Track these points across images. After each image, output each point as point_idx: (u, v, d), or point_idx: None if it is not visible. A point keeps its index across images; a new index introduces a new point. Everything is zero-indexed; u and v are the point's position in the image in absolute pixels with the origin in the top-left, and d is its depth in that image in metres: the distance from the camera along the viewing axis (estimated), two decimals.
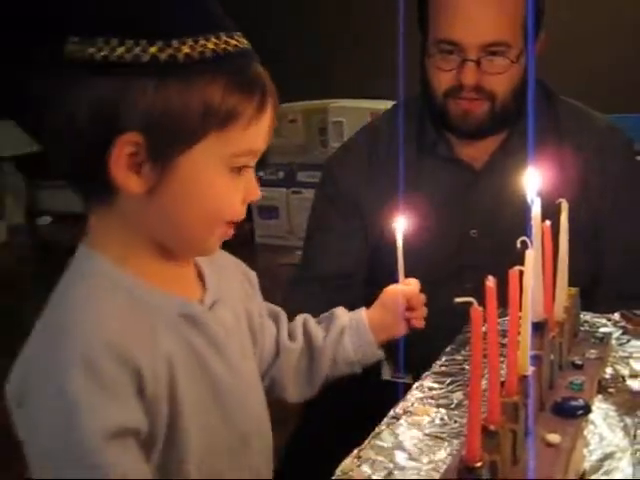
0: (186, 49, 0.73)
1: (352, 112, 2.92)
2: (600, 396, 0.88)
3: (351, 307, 1.13)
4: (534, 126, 0.83)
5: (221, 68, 0.75)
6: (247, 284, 0.96)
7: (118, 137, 0.73)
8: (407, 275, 1.05)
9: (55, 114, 0.76)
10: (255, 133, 0.78)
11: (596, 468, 0.75)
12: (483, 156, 1.32)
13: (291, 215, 3.21)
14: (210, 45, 0.74)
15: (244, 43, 0.78)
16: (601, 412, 0.85)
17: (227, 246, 0.89)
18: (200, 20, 0.75)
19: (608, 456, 0.77)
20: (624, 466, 0.75)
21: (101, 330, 0.73)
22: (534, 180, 0.82)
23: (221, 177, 0.78)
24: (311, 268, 1.39)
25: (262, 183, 2.24)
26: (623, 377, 0.93)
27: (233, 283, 0.92)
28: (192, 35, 0.73)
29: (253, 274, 0.98)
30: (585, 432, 0.79)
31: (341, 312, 1.05)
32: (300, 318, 1.05)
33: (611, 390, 0.90)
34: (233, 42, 0.76)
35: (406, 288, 1.04)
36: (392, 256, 1.34)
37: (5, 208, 4.11)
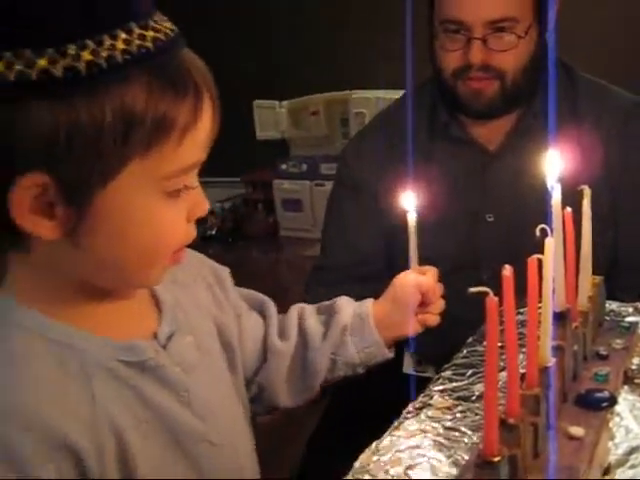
0: (87, 55, 0.56)
1: (374, 103, 2.89)
2: (626, 387, 0.85)
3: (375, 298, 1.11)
4: (547, 104, 0.80)
5: (138, 70, 0.58)
6: (216, 286, 0.84)
7: (17, 178, 0.58)
8: (421, 263, 0.94)
9: None
10: (191, 146, 0.63)
11: (622, 462, 0.73)
12: (497, 137, 1.30)
13: (314, 208, 3.19)
14: (119, 44, 0.57)
15: (165, 28, 0.61)
16: (627, 404, 0.82)
17: (253, 240, 0.84)
18: (101, 11, 0.57)
19: (635, 450, 0.75)
20: None
21: (28, 413, 0.61)
22: (554, 166, 0.79)
23: (155, 205, 0.63)
24: (329, 256, 1.39)
25: (285, 176, 2.26)
26: None
27: (198, 293, 0.81)
28: (92, 35, 0.56)
29: (223, 270, 0.86)
30: (610, 425, 0.77)
31: (344, 305, 0.93)
32: (295, 310, 0.94)
33: (638, 381, 0.87)
34: (150, 34, 0.59)
35: (421, 279, 0.92)
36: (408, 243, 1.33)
37: None
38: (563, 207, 0.80)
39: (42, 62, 0.55)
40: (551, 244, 0.69)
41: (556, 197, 0.78)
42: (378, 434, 0.81)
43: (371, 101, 2.97)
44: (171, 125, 0.60)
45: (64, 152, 0.58)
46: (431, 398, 0.89)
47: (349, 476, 0.75)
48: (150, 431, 0.69)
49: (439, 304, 0.94)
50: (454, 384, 0.92)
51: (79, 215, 0.61)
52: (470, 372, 0.94)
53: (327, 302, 0.95)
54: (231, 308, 0.85)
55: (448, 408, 0.86)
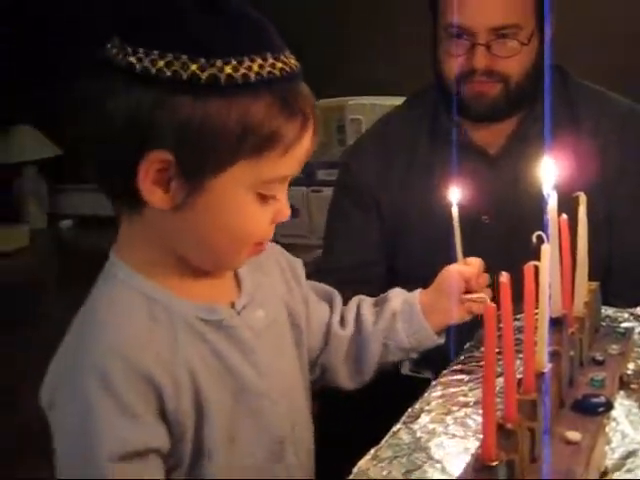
0: (229, 69, 0.70)
1: (370, 109, 2.91)
2: (622, 392, 0.86)
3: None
4: (550, 112, 0.82)
5: (264, 91, 0.72)
6: (289, 274, 0.94)
7: (149, 152, 0.72)
8: (419, 263, 1.01)
9: (90, 116, 0.75)
10: (291, 160, 0.75)
11: (618, 466, 0.74)
12: (498, 141, 1.31)
13: (311, 214, 3.21)
14: (255, 67, 0.71)
15: (291, 64, 0.75)
16: (623, 409, 0.83)
17: None
18: (247, 39, 0.73)
19: (631, 454, 0.75)
20: None
21: (120, 347, 0.73)
22: (550, 173, 0.80)
23: (250, 203, 0.76)
24: (331, 259, 1.40)
25: None
26: None
27: (273, 278, 0.91)
28: (236, 55, 0.71)
29: (298, 262, 0.96)
30: (607, 429, 0.78)
31: (395, 294, 1.02)
32: (355, 300, 1.03)
33: (634, 386, 0.88)
34: (279, 65, 0.73)
35: (463, 268, 0.99)
36: (410, 245, 1.33)
37: (27, 212, 4.16)
38: (560, 213, 0.81)
39: (194, 67, 0.70)
40: (547, 251, 0.70)
41: (552, 204, 0.79)
42: (377, 436, 0.82)
43: (367, 108, 2.99)
44: (279, 139, 0.73)
45: (192, 138, 0.71)
46: (429, 404, 0.89)
47: None
48: (220, 381, 0.79)
49: (486, 292, 0.98)
50: (452, 390, 0.92)
51: (189, 193, 0.73)
52: (468, 378, 0.95)
53: (381, 295, 1.03)
54: (301, 296, 0.95)
55: (446, 414, 0.87)
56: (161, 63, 0.70)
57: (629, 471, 0.73)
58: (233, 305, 0.83)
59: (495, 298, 0.66)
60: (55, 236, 4.24)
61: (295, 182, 2.98)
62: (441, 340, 0.99)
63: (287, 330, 0.90)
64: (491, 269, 0.64)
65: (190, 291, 0.81)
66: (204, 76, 0.70)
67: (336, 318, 1.00)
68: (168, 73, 0.70)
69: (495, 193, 1.30)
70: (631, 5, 2.80)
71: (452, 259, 1.02)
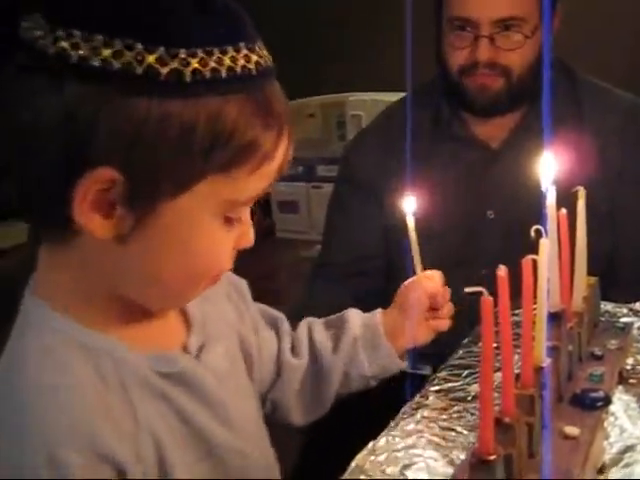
0: (195, 63, 0.56)
1: (370, 105, 2.90)
2: (621, 387, 0.86)
3: (372, 295, 1.12)
4: (552, 106, 0.81)
5: (237, 90, 0.58)
6: (236, 297, 0.83)
7: (89, 170, 0.56)
8: (422, 260, 0.92)
9: (8, 120, 0.59)
10: (262, 177, 0.62)
11: (616, 461, 0.74)
12: (500, 135, 1.31)
13: (311, 209, 3.20)
14: (227, 61, 0.57)
15: (266, 57, 0.62)
16: (622, 403, 0.83)
17: None
18: (217, 25, 0.58)
19: (629, 448, 0.75)
20: None
21: (74, 424, 0.59)
22: (549, 167, 0.80)
23: (213, 229, 0.62)
24: (332, 252, 1.40)
25: (281, 178, 2.24)
26: None
27: (221, 305, 0.80)
28: (205, 45, 0.57)
29: (242, 283, 0.85)
30: (605, 424, 0.78)
31: (352, 316, 0.91)
32: (304, 326, 0.92)
33: (632, 381, 0.88)
34: (254, 57, 0.60)
35: (427, 284, 0.90)
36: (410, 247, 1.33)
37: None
38: (561, 208, 0.80)
39: (151, 59, 0.55)
40: (546, 245, 0.70)
41: (550, 199, 0.79)
42: (374, 432, 0.81)
43: (367, 103, 2.98)
44: (254, 151, 0.60)
45: (145, 153, 0.56)
46: (427, 398, 0.89)
47: (345, 476, 0.76)
48: (185, 442, 0.68)
49: (448, 308, 0.92)
50: (450, 384, 0.92)
51: (137, 220, 0.59)
52: (466, 373, 0.94)
53: (334, 316, 0.93)
54: (251, 321, 0.84)
55: (444, 408, 0.87)
56: (106, 52, 0.55)
57: (627, 466, 0.73)
58: (185, 347, 0.71)
59: (494, 293, 0.65)
60: None
61: (295, 178, 3.01)
62: (404, 364, 0.92)
63: (242, 367, 0.80)
64: (496, 265, 0.64)
65: (135, 336, 0.66)
66: (164, 71, 0.55)
67: (286, 346, 0.89)
68: (116, 66, 0.55)
69: (499, 188, 1.30)
70: (637, 1, 2.79)
71: (447, 255, 1.00)
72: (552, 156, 0.80)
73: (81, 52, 0.55)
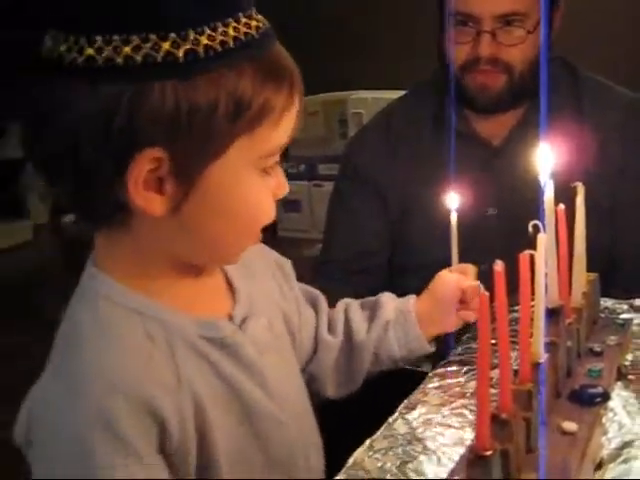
0: (205, 40, 0.62)
1: (372, 103, 2.90)
2: (620, 383, 0.86)
3: (374, 292, 1.11)
4: (553, 102, 0.81)
5: (246, 57, 0.65)
6: (280, 276, 0.89)
7: (136, 154, 0.63)
8: (422, 253, 1.00)
9: (54, 127, 0.64)
10: (285, 127, 0.69)
11: (614, 456, 0.73)
12: (501, 132, 1.31)
13: (313, 208, 3.21)
14: (231, 31, 0.64)
15: (263, 21, 0.68)
16: (620, 399, 0.82)
17: None
18: (215, 2, 0.65)
19: (627, 444, 0.75)
20: None
21: (120, 381, 0.66)
22: (547, 161, 0.80)
23: (253, 182, 0.69)
24: (333, 249, 1.40)
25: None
26: None
27: (266, 283, 0.85)
28: (208, 22, 0.63)
29: (287, 263, 0.91)
30: (604, 420, 0.77)
31: (387, 301, 0.97)
32: (342, 305, 0.98)
33: (631, 377, 0.87)
34: (254, 23, 0.66)
35: (461, 278, 0.95)
36: (412, 236, 1.33)
37: (29, 207, 4.16)
38: (559, 203, 0.80)
39: (166, 45, 0.61)
40: (543, 240, 0.70)
41: (548, 193, 0.79)
42: (373, 428, 0.81)
43: (369, 102, 2.98)
44: (271, 110, 0.67)
45: (183, 129, 0.63)
46: (426, 395, 0.89)
47: (343, 472, 0.75)
48: (226, 405, 0.73)
49: (477, 302, 0.95)
50: (449, 381, 0.92)
51: (187, 190, 0.66)
52: (465, 369, 0.94)
53: (371, 298, 0.99)
54: (293, 299, 0.90)
55: (443, 405, 0.87)
56: (127, 49, 0.61)
57: (625, 461, 0.72)
58: (231, 317, 0.76)
59: (491, 289, 0.65)
60: (57, 231, 4.24)
61: (297, 176, 3.02)
62: (432, 349, 0.97)
63: (287, 341, 0.85)
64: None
65: (185, 303, 0.73)
66: (181, 53, 0.61)
67: (323, 324, 0.94)
68: (138, 58, 0.61)
69: (500, 185, 1.29)
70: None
71: (449, 251, 1.01)
72: (550, 150, 0.79)
73: (105, 54, 0.61)
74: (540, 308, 0.71)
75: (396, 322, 0.95)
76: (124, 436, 0.64)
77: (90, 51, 0.61)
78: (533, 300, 0.70)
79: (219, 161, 0.66)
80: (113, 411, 0.64)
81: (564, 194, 0.81)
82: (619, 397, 0.83)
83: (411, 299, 0.97)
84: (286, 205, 3.22)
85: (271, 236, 3.16)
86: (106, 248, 0.72)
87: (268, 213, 0.73)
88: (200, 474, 0.71)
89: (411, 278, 1.03)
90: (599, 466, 0.72)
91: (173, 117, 0.63)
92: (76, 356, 0.68)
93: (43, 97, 0.64)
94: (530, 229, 0.71)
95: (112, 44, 0.61)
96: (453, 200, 0.97)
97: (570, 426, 0.72)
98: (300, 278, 1.51)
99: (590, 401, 0.77)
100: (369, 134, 1.42)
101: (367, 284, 1.33)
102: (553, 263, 0.80)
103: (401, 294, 1.02)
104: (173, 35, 0.62)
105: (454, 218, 0.96)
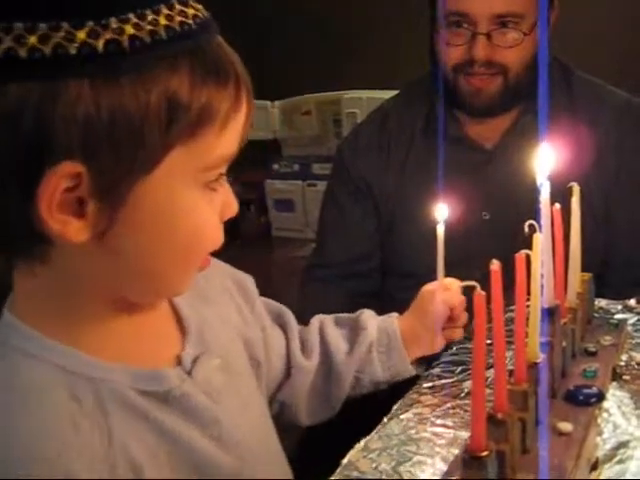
0: (130, 29, 0.52)
1: (366, 103, 2.89)
2: (615, 383, 0.86)
3: (367, 296, 1.11)
4: (548, 103, 0.81)
5: (182, 50, 0.54)
6: (239, 296, 0.79)
7: (48, 170, 0.52)
8: (415, 259, 0.98)
9: None
10: (231, 134, 0.59)
11: (610, 457, 0.73)
12: (495, 135, 1.30)
13: (307, 208, 3.20)
14: (162, 20, 0.53)
15: (201, 10, 0.58)
16: (615, 400, 0.82)
17: (245, 240, 0.81)
18: None
19: (622, 445, 0.75)
20: (639, 455, 0.73)
21: (37, 454, 0.55)
22: (544, 163, 0.79)
23: (194, 201, 0.59)
24: (325, 253, 1.39)
25: (277, 176, 2.26)
26: (639, 364, 0.91)
27: (223, 307, 0.76)
28: (135, 8, 0.52)
29: (247, 278, 0.81)
30: (599, 420, 0.77)
31: (368, 319, 0.90)
32: (316, 324, 0.91)
33: (626, 377, 0.88)
34: (191, 11, 0.56)
35: (447, 296, 0.89)
36: (404, 240, 1.33)
37: None
38: (554, 204, 0.80)
39: (81, 35, 0.51)
40: (539, 240, 0.70)
41: (545, 194, 0.78)
42: (366, 430, 0.81)
43: (363, 101, 2.98)
44: (214, 114, 0.56)
45: (105, 138, 0.52)
46: (420, 395, 0.89)
47: (338, 473, 0.75)
48: (171, 465, 0.63)
49: (464, 317, 0.93)
50: (443, 381, 0.91)
51: (112, 212, 0.55)
52: (459, 369, 0.94)
53: (347, 315, 0.92)
54: (256, 321, 0.81)
55: (437, 405, 0.86)
56: (32, 39, 0.50)
57: (620, 462, 0.72)
58: (179, 361, 0.66)
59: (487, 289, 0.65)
60: None
61: (290, 176, 3.00)
62: (414, 372, 0.92)
63: (248, 373, 0.76)
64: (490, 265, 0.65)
65: (122, 350, 0.62)
66: (100, 44, 0.50)
67: (295, 345, 0.86)
68: (47, 51, 0.50)
69: (493, 188, 1.29)
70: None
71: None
72: (548, 151, 0.79)
73: (6, 45, 0.50)
74: (536, 308, 0.70)
75: (379, 343, 0.89)
76: None
77: None
78: (527, 300, 0.70)
79: (150, 176, 0.55)
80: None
81: (558, 196, 0.81)
82: (614, 397, 0.83)
83: (394, 317, 0.92)
84: (280, 205, 3.21)
85: (265, 236, 3.15)
86: (24, 289, 0.61)
87: (213, 237, 0.62)
88: None
89: (400, 284, 1.02)
90: (595, 466, 0.72)
91: (92, 123, 0.52)
92: None
93: None
94: (526, 229, 0.71)
95: (13, 32, 0.50)
96: (441, 212, 0.92)
97: (565, 426, 0.72)
98: (295, 278, 1.51)
99: (585, 401, 0.77)
100: (361, 136, 1.41)
101: (360, 288, 1.32)
102: (549, 263, 0.80)
103: (392, 299, 1.02)
104: (90, 23, 0.51)
105: (441, 231, 0.91)
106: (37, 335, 0.60)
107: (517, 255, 0.67)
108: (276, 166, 3.10)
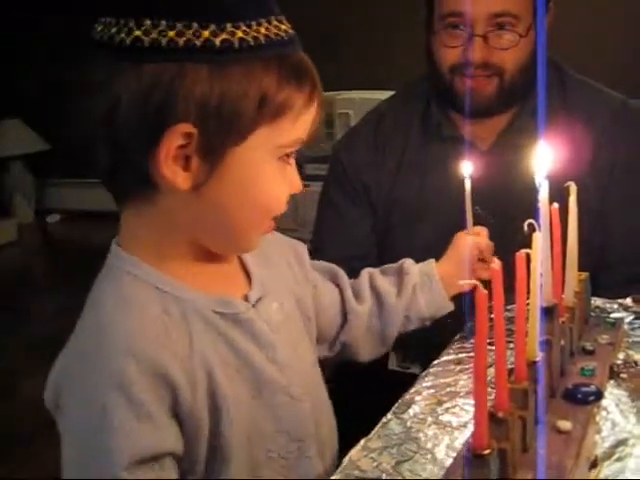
0: (240, 33, 0.69)
1: (359, 103, 2.89)
2: (612, 382, 0.86)
3: None
4: (544, 104, 0.81)
5: (274, 54, 0.71)
6: (294, 261, 0.92)
7: (169, 128, 0.69)
8: (410, 255, 1.04)
9: (97, 101, 0.70)
10: (302, 124, 0.75)
11: (609, 455, 0.74)
12: (490, 135, 1.30)
13: (300, 208, 3.20)
14: (263, 30, 0.71)
15: (289, 28, 0.75)
16: (613, 398, 0.83)
17: None
18: (252, 3, 0.72)
19: (621, 442, 0.75)
20: (637, 452, 0.74)
21: (135, 345, 0.70)
22: (543, 163, 0.80)
23: (271, 169, 0.75)
24: (321, 253, 1.39)
25: None
26: (636, 362, 0.91)
27: (281, 269, 0.89)
28: (245, 19, 0.70)
29: (300, 245, 0.95)
30: (597, 418, 0.78)
31: (410, 266, 1.04)
32: (365, 274, 1.04)
33: (624, 375, 0.88)
34: (283, 27, 0.73)
35: (478, 239, 1.05)
36: (400, 240, 1.33)
37: (14, 207, 4.13)
38: (551, 203, 0.80)
39: (205, 33, 0.68)
40: (538, 238, 0.70)
41: (543, 193, 0.79)
42: (365, 430, 0.81)
43: (356, 102, 2.98)
44: (291, 107, 0.73)
45: (213, 110, 0.69)
46: (419, 394, 0.89)
47: (339, 472, 0.75)
48: (237, 376, 0.77)
49: (491, 259, 1.01)
50: (442, 380, 0.92)
51: (211, 169, 0.71)
52: (458, 368, 0.94)
53: (391, 265, 1.06)
54: (308, 281, 0.94)
55: (436, 404, 0.87)
56: (171, 33, 0.68)
57: (619, 460, 0.73)
58: (246, 298, 0.81)
59: (487, 288, 0.65)
60: (42, 230, 4.22)
61: None
62: (452, 307, 1.04)
63: (300, 323, 0.89)
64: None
65: (202, 283, 0.78)
66: (218, 41, 0.69)
67: (348, 293, 1.00)
68: (180, 43, 0.68)
69: (487, 185, 1.29)
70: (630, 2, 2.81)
71: (435, 254, 1.06)
72: (545, 151, 0.80)
73: (152, 36, 0.68)
74: (536, 307, 0.71)
75: (422, 285, 1.03)
76: (137, 399, 0.68)
77: (138, 33, 0.68)
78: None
79: (241, 145, 0.72)
80: (125, 374, 0.68)
81: (555, 196, 0.81)
82: (612, 395, 0.83)
83: (432, 263, 1.05)
84: None
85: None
86: (130, 227, 0.77)
87: (280, 201, 0.77)
88: (211, 442, 0.74)
89: None
90: (594, 464, 0.72)
91: (206, 97, 0.69)
92: (95, 320, 0.73)
93: (95, 70, 0.71)
94: (525, 228, 0.71)
95: (158, 28, 0.68)
96: (467, 168, 1.05)
97: (564, 425, 0.72)
98: None
99: (584, 400, 0.77)
100: (357, 136, 1.41)
101: None
102: (547, 262, 0.80)
103: None
104: (213, 26, 0.69)
105: (468, 184, 1.05)
106: (138, 261, 0.76)
107: (517, 254, 0.67)
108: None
